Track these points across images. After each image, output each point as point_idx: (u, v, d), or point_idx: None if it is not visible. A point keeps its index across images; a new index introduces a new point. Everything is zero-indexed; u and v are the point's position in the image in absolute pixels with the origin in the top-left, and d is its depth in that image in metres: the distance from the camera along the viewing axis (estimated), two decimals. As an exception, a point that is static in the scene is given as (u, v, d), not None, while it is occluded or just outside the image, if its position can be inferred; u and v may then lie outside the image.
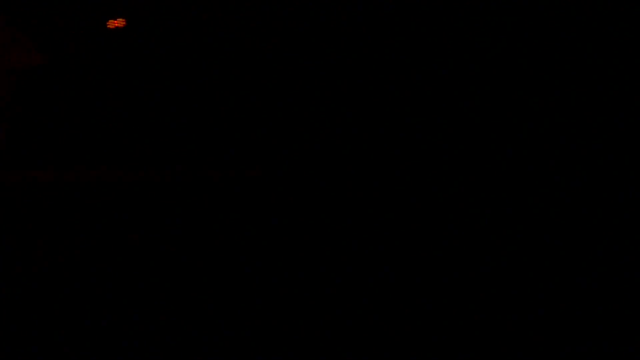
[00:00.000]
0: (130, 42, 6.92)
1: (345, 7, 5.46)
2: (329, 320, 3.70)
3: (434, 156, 5.19)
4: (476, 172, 5.27)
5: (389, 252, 4.86)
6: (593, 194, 4.67)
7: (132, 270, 5.12)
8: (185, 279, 4.79)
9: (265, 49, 5.80)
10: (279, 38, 5.74)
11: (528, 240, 4.71)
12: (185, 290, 4.50)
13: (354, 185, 5.38)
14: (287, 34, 5.70)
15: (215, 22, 6.11)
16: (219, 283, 4.65)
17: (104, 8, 6.31)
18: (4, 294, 4.65)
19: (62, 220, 6.66)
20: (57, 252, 5.79)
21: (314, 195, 5.41)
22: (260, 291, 4.30)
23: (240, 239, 5.41)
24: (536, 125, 4.90)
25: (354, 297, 4.09)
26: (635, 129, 4.36)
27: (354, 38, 5.59)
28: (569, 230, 4.58)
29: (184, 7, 6.03)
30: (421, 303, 3.93)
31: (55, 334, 3.83)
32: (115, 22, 6.28)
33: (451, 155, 5.21)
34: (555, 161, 4.92)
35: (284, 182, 5.60)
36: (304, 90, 5.79)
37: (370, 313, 3.82)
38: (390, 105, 5.43)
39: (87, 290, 4.71)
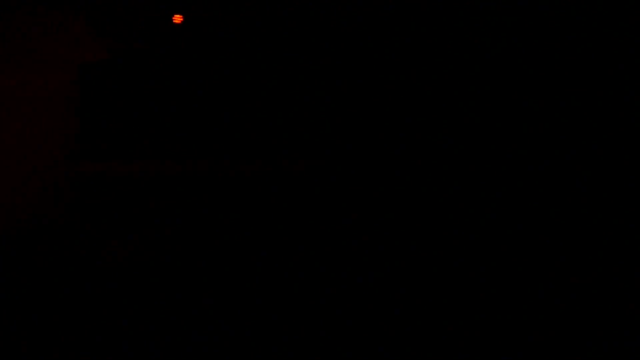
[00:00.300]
0: (189, 38, 6.85)
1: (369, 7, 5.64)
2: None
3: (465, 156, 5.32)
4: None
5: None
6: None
7: (201, 261, 5.12)
8: (254, 270, 4.79)
9: (321, 44, 5.92)
10: (333, 34, 5.86)
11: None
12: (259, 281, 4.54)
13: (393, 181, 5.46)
14: (338, 31, 5.85)
15: (273, 17, 6.18)
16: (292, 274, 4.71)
17: (168, 3, 6.43)
18: (82, 282, 4.89)
19: (132, 211, 6.64)
20: (130, 243, 5.79)
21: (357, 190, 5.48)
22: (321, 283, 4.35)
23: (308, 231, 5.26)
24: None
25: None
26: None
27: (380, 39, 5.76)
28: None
29: (242, 3, 6.10)
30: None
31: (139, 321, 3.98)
32: (175, 17, 6.37)
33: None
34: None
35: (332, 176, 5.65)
36: (358, 88, 5.91)
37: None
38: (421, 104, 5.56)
39: (162, 280, 4.86)
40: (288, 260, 5.15)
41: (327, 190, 5.66)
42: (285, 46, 6.67)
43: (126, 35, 7.76)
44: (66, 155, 7.82)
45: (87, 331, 3.82)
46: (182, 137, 7.44)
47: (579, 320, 3.61)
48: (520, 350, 3.33)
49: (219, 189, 6.70)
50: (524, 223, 4.85)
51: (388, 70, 5.75)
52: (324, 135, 6.11)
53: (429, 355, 3.39)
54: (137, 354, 3.45)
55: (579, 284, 4.07)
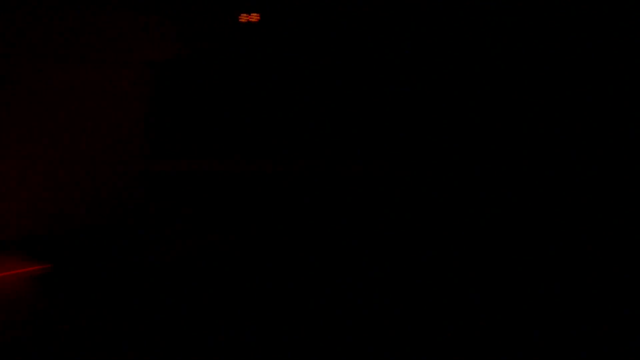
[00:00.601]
0: (264, 37, 6.86)
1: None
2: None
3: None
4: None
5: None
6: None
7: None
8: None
9: (403, 49, 5.80)
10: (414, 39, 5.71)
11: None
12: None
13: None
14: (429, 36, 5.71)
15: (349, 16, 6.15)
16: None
17: (241, 2, 6.56)
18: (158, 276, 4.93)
19: (200, 207, 7.02)
20: (203, 238, 5.87)
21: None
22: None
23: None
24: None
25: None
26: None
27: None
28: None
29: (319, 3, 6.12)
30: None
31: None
32: (250, 16, 6.50)
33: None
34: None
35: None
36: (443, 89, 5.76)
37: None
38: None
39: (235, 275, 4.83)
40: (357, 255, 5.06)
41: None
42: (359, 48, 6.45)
43: (200, 35, 7.88)
44: (138, 153, 8.34)
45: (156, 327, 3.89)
46: (250, 136, 7.49)
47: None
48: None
49: (287, 187, 6.40)
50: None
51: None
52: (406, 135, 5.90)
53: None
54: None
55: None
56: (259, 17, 6.64)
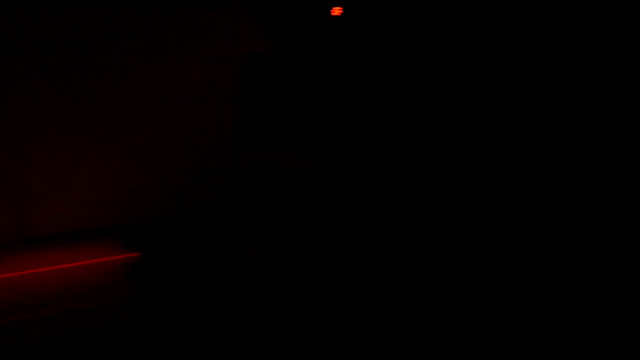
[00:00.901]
0: (349, 31, 6.89)
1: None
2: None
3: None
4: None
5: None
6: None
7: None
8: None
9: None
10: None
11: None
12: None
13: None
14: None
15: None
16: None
17: None
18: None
19: (286, 203, 6.99)
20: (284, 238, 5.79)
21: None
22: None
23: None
24: None
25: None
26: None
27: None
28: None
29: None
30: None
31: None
32: (333, 10, 6.51)
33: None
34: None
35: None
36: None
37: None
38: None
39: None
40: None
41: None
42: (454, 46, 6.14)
43: (286, 29, 7.99)
44: (222, 146, 8.23)
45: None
46: (338, 132, 7.35)
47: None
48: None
49: (377, 185, 6.41)
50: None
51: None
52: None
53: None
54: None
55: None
56: (341, 11, 6.52)
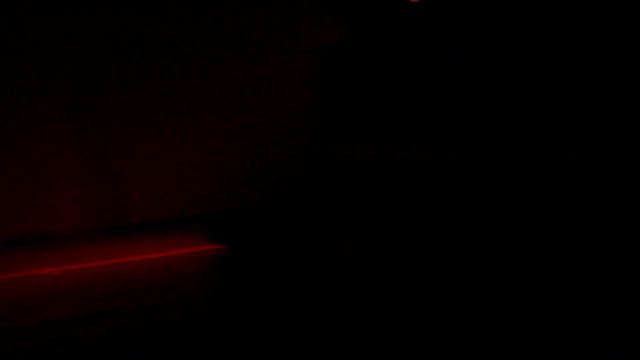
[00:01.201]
0: (432, 18, 6.52)
1: None
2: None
3: None
4: None
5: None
6: None
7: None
8: None
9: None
10: None
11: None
12: None
13: None
14: None
15: None
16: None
17: None
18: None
19: (370, 196, 6.67)
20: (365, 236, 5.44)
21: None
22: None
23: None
24: None
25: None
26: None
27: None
28: None
29: None
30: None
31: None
32: None
33: None
34: None
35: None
36: None
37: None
38: None
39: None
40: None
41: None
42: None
43: (367, 17, 7.75)
44: (304, 137, 8.19)
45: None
46: (419, 122, 6.98)
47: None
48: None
49: (461, 177, 5.89)
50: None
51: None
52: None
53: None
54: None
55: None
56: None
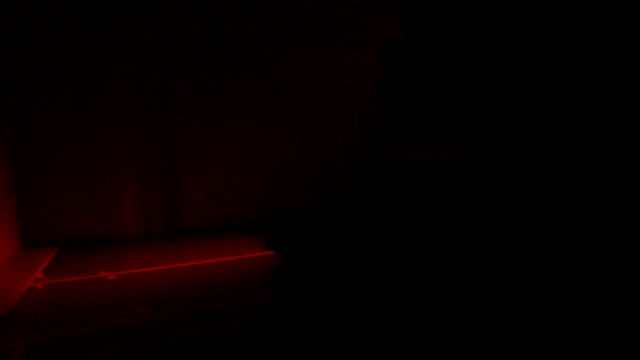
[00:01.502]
0: (495, 15, 6.07)
1: None
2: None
3: None
4: None
5: None
6: None
7: None
8: None
9: None
10: None
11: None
12: None
13: None
14: None
15: None
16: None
17: None
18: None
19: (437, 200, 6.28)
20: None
21: None
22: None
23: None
24: None
25: None
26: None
27: None
28: None
29: None
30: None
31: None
32: None
33: None
34: None
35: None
36: None
37: None
38: None
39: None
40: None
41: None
42: None
43: (426, 13, 7.40)
44: (367, 139, 8.03)
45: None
46: (485, 123, 6.52)
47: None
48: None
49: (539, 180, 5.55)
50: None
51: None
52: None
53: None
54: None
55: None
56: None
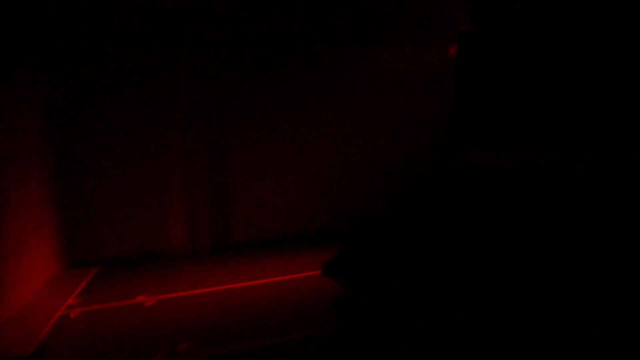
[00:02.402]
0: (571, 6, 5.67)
1: None
2: None
3: None
4: None
5: None
6: None
7: None
8: None
9: None
10: None
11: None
12: None
13: None
14: None
15: None
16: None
17: None
18: None
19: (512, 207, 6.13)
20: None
21: None
22: None
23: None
24: None
25: None
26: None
27: None
28: None
29: None
30: None
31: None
32: None
33: None
34: None
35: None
36: None
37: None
38: None
39: None
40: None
41: None
42: None
43: (488, 7, 6.63)
44: (442, 142, 7.12)
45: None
46: (566, 125, 5.66)
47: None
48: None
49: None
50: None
51: None
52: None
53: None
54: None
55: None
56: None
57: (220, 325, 3.92)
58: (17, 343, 3.59)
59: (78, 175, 5.84)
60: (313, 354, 3.48)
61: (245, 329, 3.85)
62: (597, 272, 4.09)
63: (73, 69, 5.71)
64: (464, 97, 6.75)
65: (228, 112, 6.39)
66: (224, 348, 3.58)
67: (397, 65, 7.14)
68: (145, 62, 5.98)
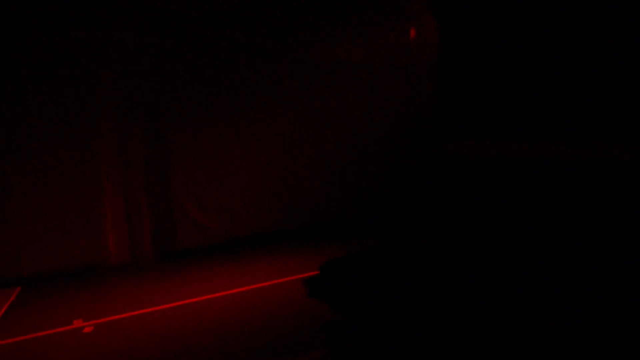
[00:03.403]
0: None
1: None
2: None
3: None
4: None
5: None
6: None
7: None
8: None
9: None
10: None
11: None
12: None
13: None
14: None
15: None
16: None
17: None
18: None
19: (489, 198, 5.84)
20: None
21: None
22: None
23: None
24: None
25: None
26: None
27: None
28: None
29: None
30: None
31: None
32: None
33: None
34: None
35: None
36: None
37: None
38: None
39: None
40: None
41: None
42: None
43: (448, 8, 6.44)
44: (423, 134, 7.06)
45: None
46: (545, 115, 5.62)
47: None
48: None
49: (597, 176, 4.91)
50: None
51: None
52: None
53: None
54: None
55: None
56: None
57: (175, 353, 3.39)
58: None
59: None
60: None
61: (202, 358, 3.33)
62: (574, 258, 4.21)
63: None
64: (446, 86, 6.57)
65: (165, 106, 5.72)
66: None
67: (357, 52, 6.80)
68: (73, 53, 5.20)
